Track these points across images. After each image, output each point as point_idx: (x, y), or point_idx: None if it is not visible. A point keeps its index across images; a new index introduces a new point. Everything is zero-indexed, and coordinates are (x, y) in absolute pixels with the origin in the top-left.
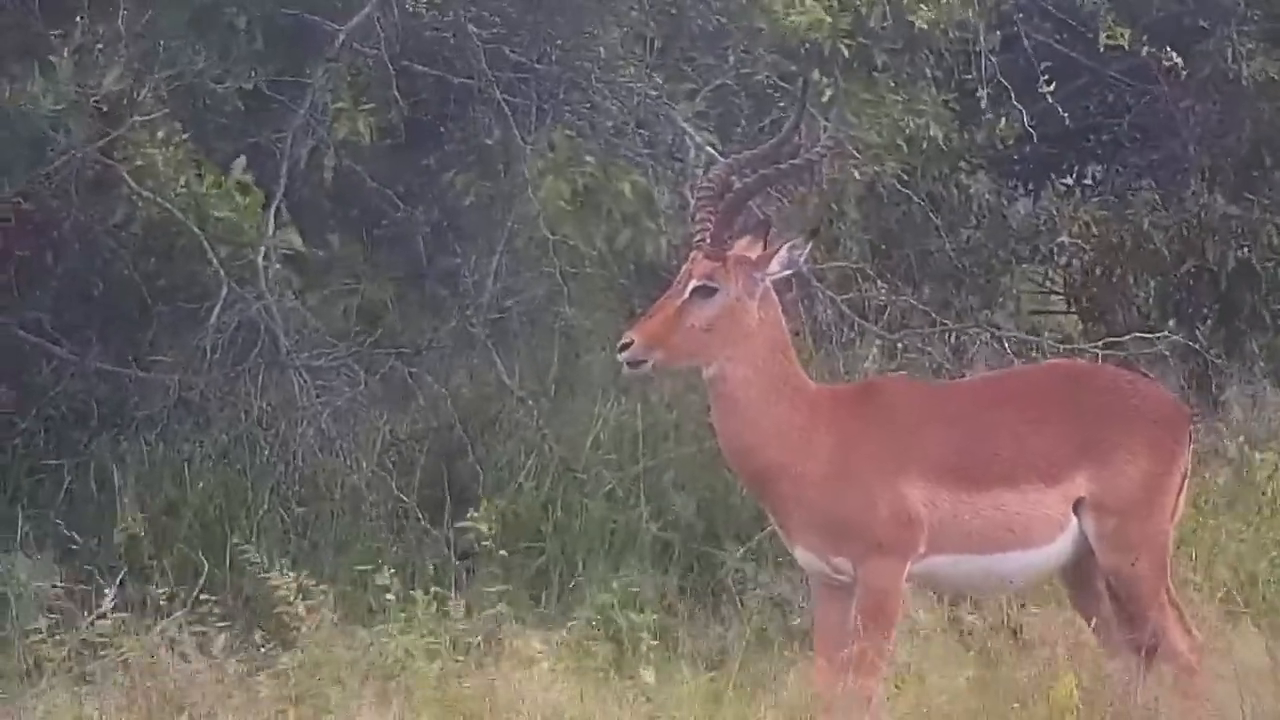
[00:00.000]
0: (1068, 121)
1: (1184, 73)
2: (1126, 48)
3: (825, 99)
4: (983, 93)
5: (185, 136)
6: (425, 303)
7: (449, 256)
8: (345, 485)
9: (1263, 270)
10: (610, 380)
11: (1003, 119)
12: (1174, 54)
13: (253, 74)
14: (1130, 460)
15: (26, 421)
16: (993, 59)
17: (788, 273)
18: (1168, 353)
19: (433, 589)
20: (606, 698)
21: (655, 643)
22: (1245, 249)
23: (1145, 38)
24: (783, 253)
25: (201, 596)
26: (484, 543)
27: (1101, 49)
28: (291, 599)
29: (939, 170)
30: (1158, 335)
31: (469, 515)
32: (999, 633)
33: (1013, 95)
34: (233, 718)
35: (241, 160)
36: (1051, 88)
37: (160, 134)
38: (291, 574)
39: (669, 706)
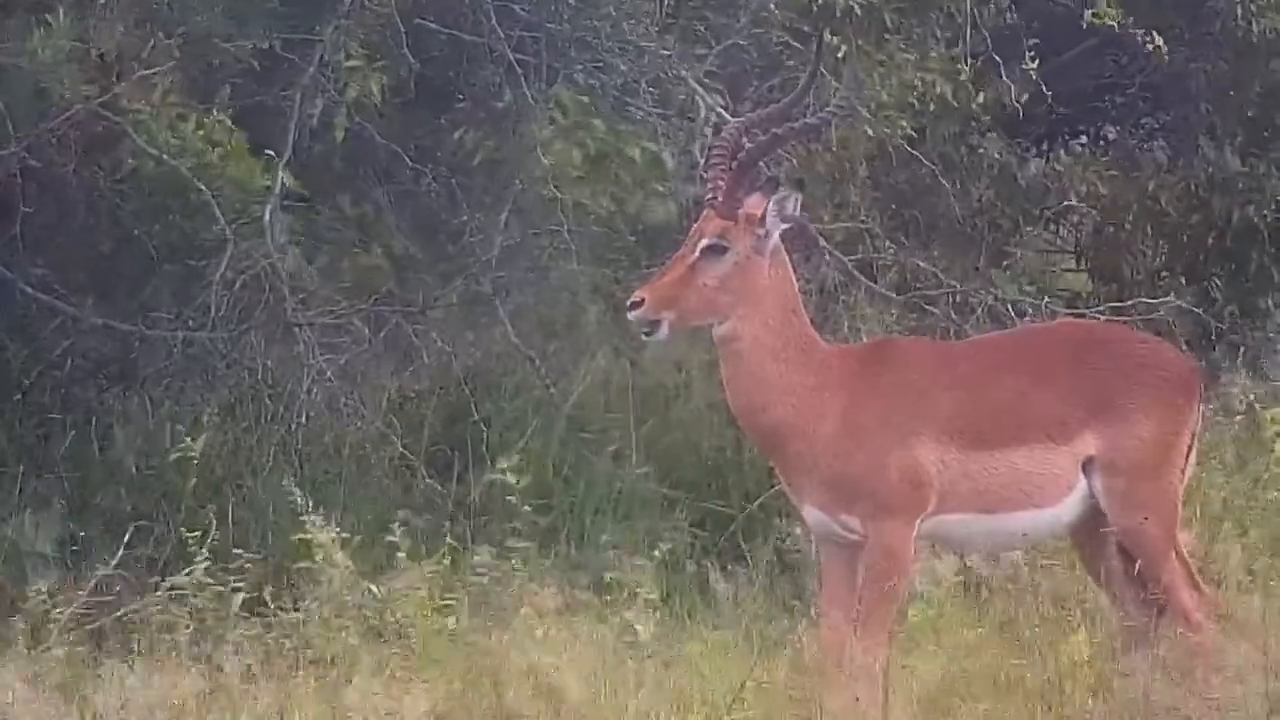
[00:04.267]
0: (1048, 95)
1: (1166, 54)
2: (1116, 28)
3: (838, 58)
4: (968, 60)
5: (194, 94)
6: (432, 261)
7: (456, 215)
8: (351, 444)
9: (1270, 228)
10: (617, 339)
11: (999, 83)
12: (1159, 36)
13: (264, 32)
14: (1140, 419)
15: (32, 378)
16: (1002, 19)
17: (785, 226)
18: (1171, 319)
19: (443, 548)
20: (613, 657)
21: (653, 598)
22: (1254, 206)
23: (1133, 18)
24: (771, 207)
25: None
26: (509, 498)
27: (1085, 26)
28: (318, 553)
29: (949, 130)
30: (1162, 301)
31: (498, 466)
32: (1011, 590)
33: (1003, 66)
34: (241, 674)
35: (225, 91)
36: (1036, 64)
37: (167, 90)
38: (322, 522)
39: (676, 664)
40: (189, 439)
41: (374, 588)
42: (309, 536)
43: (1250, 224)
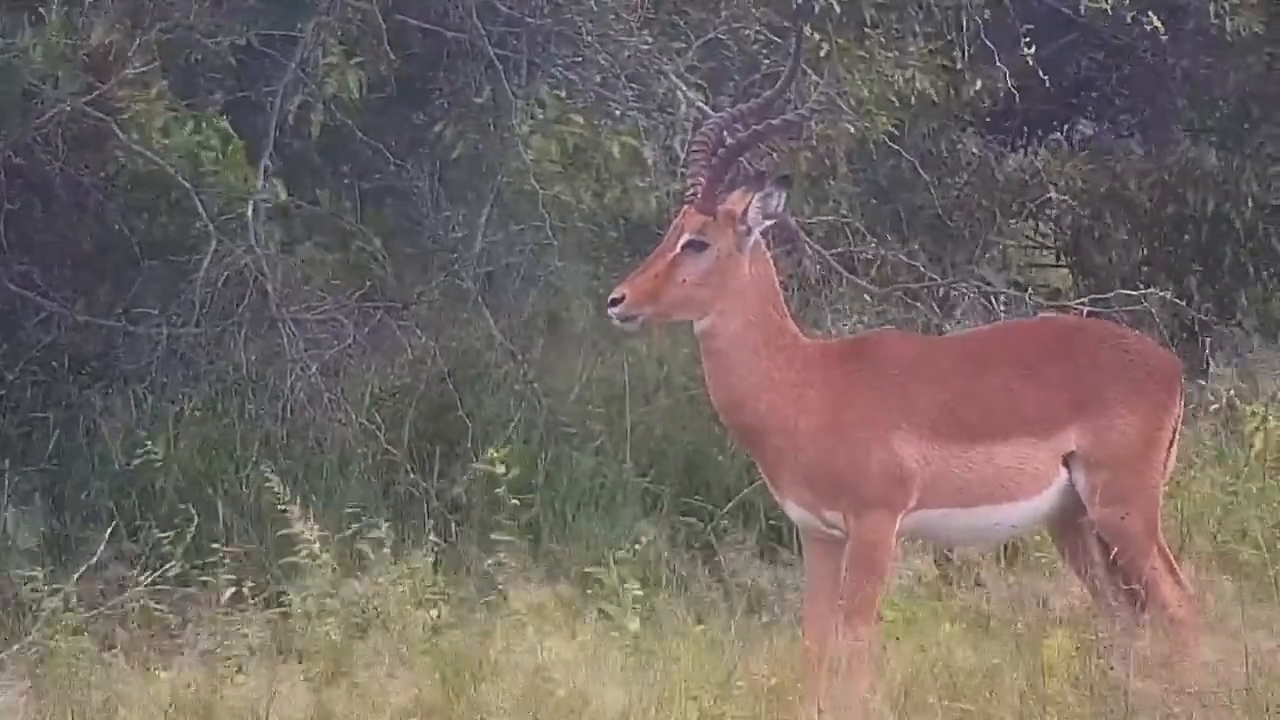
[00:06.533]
0: (1047, 83)
1: (1164, 35)
2: (1109, 11)
3: (819, 55)
4: (961, 53)
5: (175, 90)
6: (414, 256)
7: (438, 211)
8: (334, 438)
9: (1249, 224)
10: (599, 334)
11: (978, 79)
12: (1155, 17)
13: (244, 29)
14: (1122, 414)
15: (15, 374)
16: (980, 17)
17: (769, 223)
18: (1153, 309)
19: (427, 542)
20: (596, 651)
21: (640, 593)
22: (1232, 202)
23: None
24: (756, 203)
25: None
26: (496, 490)
27: (1083, 10)
28: (309, 544)
29: (928, 126)
30: (1142, 292)
31: (487, 458)
32: (990, 586)
33: (996, 55)
34: (227, 668)
35: (211, 91)
36: (1032, 50)
37: (151, 88)
38: (309, 520)
39: (659, 659)
40: (149, 443)
41: (356, 583)
42: (294, 531)
43: (1226, 219)
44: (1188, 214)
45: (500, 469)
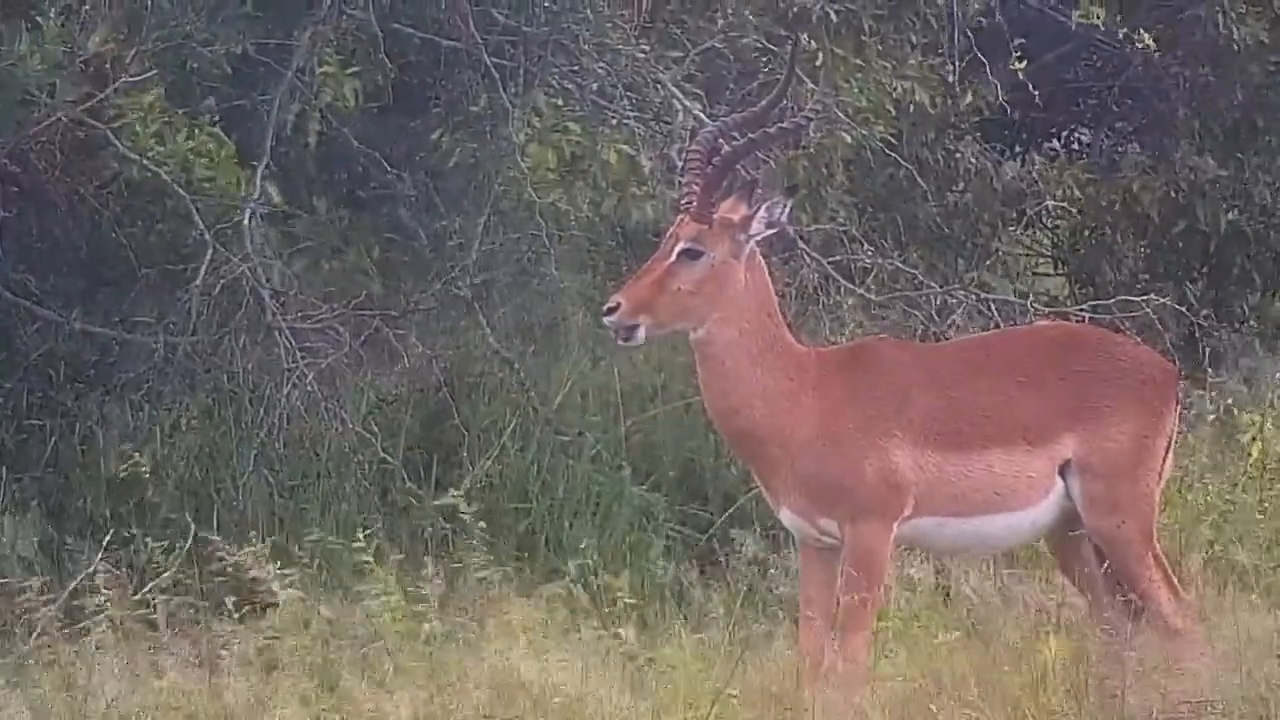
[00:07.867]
0: (1045, 92)
1: (1155, 51)
2: (1101, 27)
3: (815, 64)
4: (955, 64)
5: (171, 99)
6: (411, 265)
7: (435, 219)
8: (330, 447)
9: (1252, 231)
10: (595, 342)
11: (975, 88)
12: (1147, 35)
13: (241, 37)
14: (1118, 422)
15: (11, 382)
16: (976, 25)
17: (771, 232)
18: (1154, 315)
19: (424, 556)
20: (593, 661)
21: (637, 602)
22: (1236, 210)
23: (1119, 16)
24: (762, 212)
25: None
26: (463, 514)
27: (1074, 26)
28: (263, 572)
29: (926, 134)
30: (1144, 298)
31: (451, 493)
32: (986, 595)
33: (988, 67)
34: (219, 679)
35: (211, 102)
36: (1028, 60)
37: (147, 96)
38: (260, 543)
39: (655, 669)
40: (136, 455)
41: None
42: (250, 555)
43: (1235, 228)
44: (1190, 221)
45: (464, 504)
